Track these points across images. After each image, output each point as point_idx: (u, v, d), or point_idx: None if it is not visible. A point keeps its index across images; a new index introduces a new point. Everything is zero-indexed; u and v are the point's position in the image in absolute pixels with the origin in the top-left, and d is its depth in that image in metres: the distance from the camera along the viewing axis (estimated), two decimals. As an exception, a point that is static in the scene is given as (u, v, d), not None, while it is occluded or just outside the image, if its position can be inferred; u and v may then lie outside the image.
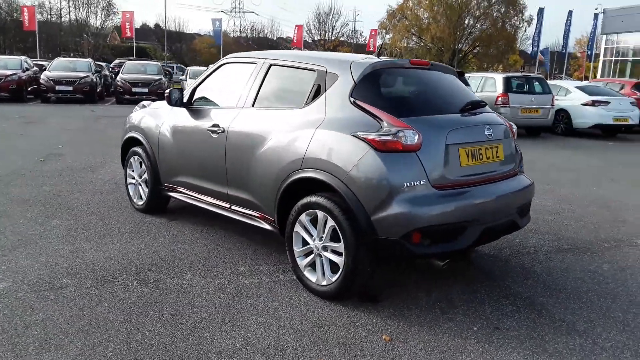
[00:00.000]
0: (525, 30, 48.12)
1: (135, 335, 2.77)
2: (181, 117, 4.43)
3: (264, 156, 3.57)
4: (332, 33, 61.21)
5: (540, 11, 36.61)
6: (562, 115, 13.84)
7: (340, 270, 3.11)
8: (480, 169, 3.29)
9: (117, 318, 2.94)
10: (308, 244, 3.35)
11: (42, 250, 3.93)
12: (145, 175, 4.89)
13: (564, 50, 41.25)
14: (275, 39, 64.89)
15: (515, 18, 46.17)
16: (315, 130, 3.24)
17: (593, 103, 13.44)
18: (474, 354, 2.69)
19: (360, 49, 61.14)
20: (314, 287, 3.30)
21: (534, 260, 4.11)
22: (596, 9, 36.94)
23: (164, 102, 4.77)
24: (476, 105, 3.59)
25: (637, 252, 4.42)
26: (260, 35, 63.11)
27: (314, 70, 3.51)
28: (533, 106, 13.02)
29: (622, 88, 15.54)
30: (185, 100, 4.43)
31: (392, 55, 46.80)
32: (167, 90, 4.39)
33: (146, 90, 19.54)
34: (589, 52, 42.90)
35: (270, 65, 3.85)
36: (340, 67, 3.39)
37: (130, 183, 5.19)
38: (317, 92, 3.43)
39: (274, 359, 2.59)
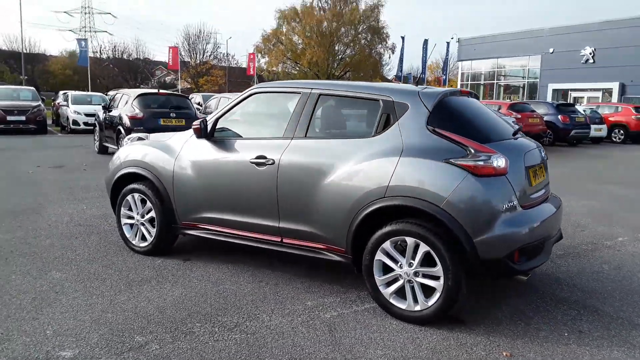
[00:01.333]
0: (389, 57, 52.08)
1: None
2: (206, 149, 4.20)
3: (332, 187, 3.54)
4: (203, 55, 60.36)
5: (402, 39, 39.89)
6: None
7: (440, 293, 3.21)
8: (538, 188, 3.62)
9: None
10: (391, 271, 3.39)
11: (74, 307, 3.47)
12: (151, 214, 4.51)
13: (422, 76, 45.18)
14: (142, 58, 61.99)
15: (380, 45, 49.90)
16: (400, 159, 3.31)
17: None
18: (588, 358, 2.95)
19: (235, 72, 61.20)
20: (404, 314, 3.35)
21: (549, 268, 4.54)
22: (452, 37, 41.19)
23: (173, 134, 4.49)
24: (517, 130, 3.95)
25: (615, 252, 5.10)
26: (124, 57, 59.89)
27: (378, 100, 3.59)
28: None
29: (499, 109, 17.54)
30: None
31: (270, 79, 47.65)
32: (197, 122, 4.13)
33: (23, 118, 17.67)
34: (444, 77, 47.51)
35: (320, 95, 3.84)
36: (408, 97, 3.52)
37: (126, 224, 4.74)
38: (387, 122, 3.51)
39: None
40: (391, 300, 3.41)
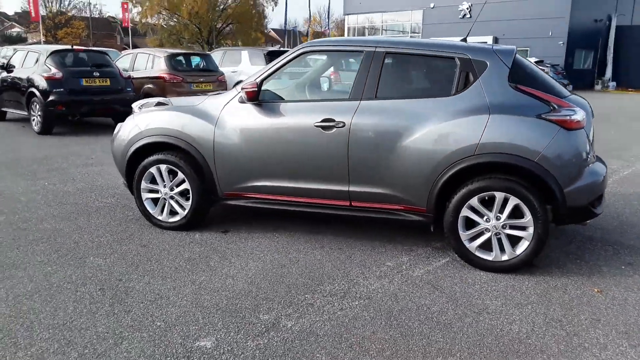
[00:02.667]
0: (272, 10, 51.08)
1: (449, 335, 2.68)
2: (254, 114, 3.95)
3: (413, 147, 3.57)
4: (60, 4, 54.23)
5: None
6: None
7: (529, 242, 3.46)
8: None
9: (392, 332, 2.76)
10: (476, 225, 3.56)
11: (159, 294, 3.20)
12: (184, 186, 4.18)
13: (308, 29, 45.15)
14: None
15: (262, -3, 48.64)
16: (490, 116, 3.43)
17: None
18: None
19: (99, 23, 55.94)
20: (489, 265, 3.57)
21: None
22: (336, -10, 41.41)
23: (203, 98, 4.16)
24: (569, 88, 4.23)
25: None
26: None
27: (453, 58, 3.64)
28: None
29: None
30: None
31: (145, 32, 44.36)
32: (247, 84, 3.83)
33: None
34: (327, 30, 47.96)
35: (386, 54, 3.78)
36: (486, 54, 3.61)
37: (148, 199, 4.34)
38: (466, 80, 3.58)
39: (557, 327, 2.85)
40: (476, 253, 3.59)
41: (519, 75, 3.57)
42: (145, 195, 4.35)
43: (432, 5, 34.34)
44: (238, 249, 3.93)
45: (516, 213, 3.47)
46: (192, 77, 11.57)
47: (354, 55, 3.94)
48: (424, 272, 3.56)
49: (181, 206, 4.27)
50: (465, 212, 3.56)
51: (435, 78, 3.75)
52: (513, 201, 3.44)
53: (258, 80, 3.93)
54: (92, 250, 3.84)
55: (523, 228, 3.48)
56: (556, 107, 3.43)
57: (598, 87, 30.99)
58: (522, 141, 3.37)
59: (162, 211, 4.34)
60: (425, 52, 3.74)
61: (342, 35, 42.84)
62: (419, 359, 2.54)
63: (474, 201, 3.52)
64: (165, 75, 11.21)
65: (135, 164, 4.33)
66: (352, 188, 3.79)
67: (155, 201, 4.36)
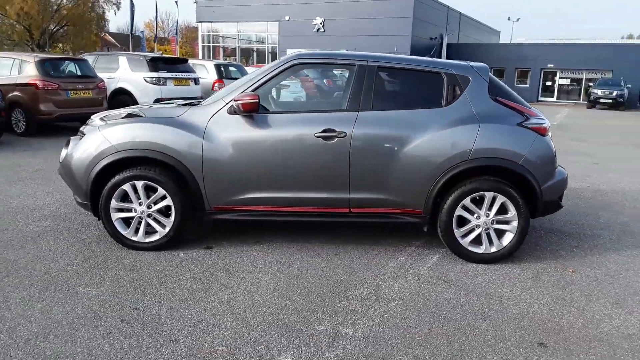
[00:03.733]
0: (115, 14, 48.02)
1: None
2: (246, 125, 3.86)
3: (411, 154, 3.83)
4: None
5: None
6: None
7: (513, 234, 3.93)
8: None
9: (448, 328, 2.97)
10: (467, 223, 3.95)
11: (194, 317, 2.99)
12: (165, 202, 3.93)
13: (156, 35, 43.37)
14: None
15: (103, 0, 45.53)
16: (480, 125, 3.84)
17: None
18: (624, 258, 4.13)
19: None
20: (480, 257, 3.97)
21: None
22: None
23: (183, 108, 3.97)
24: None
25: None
26: None
27: (439, 73, 3.99)
28: (241, 90, 14.43)
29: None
30: (231, 104, 3.88)
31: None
32: (245, 96, 3.73)
33: None
34: (176, 38, 46.59)
35: (377, 67, 3.99)
36: (468, 70, 4.02)
37: (118, 219, 3.97)
38: (454, 93, 3.96)
39: (566, 305, 3.34)
40: (469, 248, 3.96)
41: (495, 89, 4.03)
42: (115, 216, 3.95)
43: (287, 18, 35.36)
44: (236, 264, 3.79)
45: (501, 210, 3.90)
46: (68, 83, 10.48)
47: (345, 68, 4.06)
48: (428, 269, 3.82)
49: (160, 224, 3.96)
50: (459, 211, 3.90)
51: (425, 91, 4.04)
52: (500, 199, 3.87)
53: (251, 92, 3.84)
54: (74, 280, 3.41)
55: (507, 222, 3.92)
56: (528, 116, 3.95)
57: (436, 97, 34.70)
58: (509, 146, 3.83)
59: (136, 231, 3.97)
60: (414, 67, 4.03)
61: (191, 42, 41.83)
62: (483, 347, 2.77)
63: (467, 201, 3.88)
64: (37, 82, 10.00)
65: (101, 182, 3.91)
66: (352, 195, 3.91)
67: (125, 221, 3.98)
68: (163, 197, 3.91)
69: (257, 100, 3.71)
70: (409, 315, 3.08)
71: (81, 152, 3.93)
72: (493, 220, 3.92)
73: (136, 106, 4.90)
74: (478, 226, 3.93)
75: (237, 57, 37.88)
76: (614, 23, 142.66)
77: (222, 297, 3.25)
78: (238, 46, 38.65)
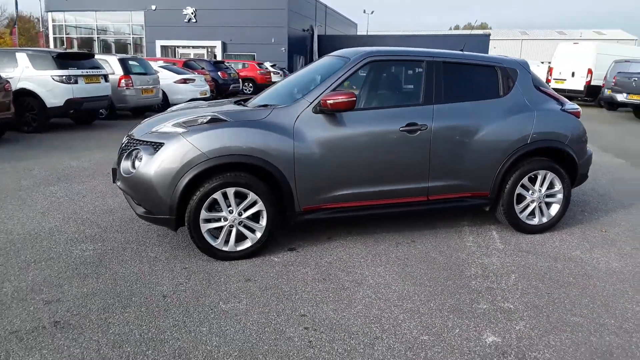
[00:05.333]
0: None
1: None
2: (334, 123, 3.92)
3: (481, 142, 4.21)
4: None
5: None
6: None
7: (559, 206, 4.55)
8: None
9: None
10: (525, 199, 4.48)
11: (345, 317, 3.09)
12: (257, 208, 3.85)
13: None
14: None
15: None
16: (536, 112, 4.36)
17: (185, 81, 15.29)
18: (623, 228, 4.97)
19: None
20: (535, 228, 4.51)
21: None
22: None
23: (272, 110, 3.93)
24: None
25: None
26: None
27: (494, 67, 4.43)
28: (150, 86, 13.66)
29: (174, 65, 17.85)
30: (315, 103, 3.94)
31: None
32: (332, 96, 3.77)
33: None
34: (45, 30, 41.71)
35: (443, 63, 4.30)
36: (514, 63, 4.51)
37: (207, 230, 3.80)
38: (508, 84, 4.43)
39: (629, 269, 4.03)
40: (526, 221, 4.49)
41: (534, 80, 4.58)
42: (204, 227, 3.76)
43: (153, 7, 33.58)
44: (338, 261, 3.85)
45: (549, 185, 4.48)
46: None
47: (415, 64, 4.28)
48: (502, 244, 4.25)
49: (250, 230, 3.87)
50: (518, 189, 4.39)
51: (484, 83, 4.42)
52: (550, 176, 4.44)
53: (319, 90, 3.91)
54: (207, 299, 3.22)
55: (554, 195, 4.51)
56: (563, 102, 4.56)
57: (313, 86, 35.71)
58: (559, 129, 4.40)
59: (226, 241, 3.83)
60: (471, 61, 4.40)
61: (25, 33, 37.76)
62: (618, 298, 3.27)
63: (525, 180, 4.39)
64: None
65: (189, 193, 3.70)
66: (431, 183, 4.19)
67: (218, 230, 3.82)
68: (254, 203, 3.80)
69: (355, 99, 3.78)
70: (539, 285, 3.47)
71: (164, 162, 3.65)
72: (544, 195, 4.47)
73: (187, 109, 4.58)
74: (532, 201, 4.46)
75: (98, 49, 34.98)
76: (444, 15, 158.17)
77: (367, 292, 3.33)
78: (98, 37, 35.70)
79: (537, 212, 4.49)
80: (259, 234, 3.85)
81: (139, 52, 33.96)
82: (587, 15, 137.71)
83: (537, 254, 4.04)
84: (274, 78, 26.78)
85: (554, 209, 4.53)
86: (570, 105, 4.59)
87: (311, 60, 36.57)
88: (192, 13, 33.07)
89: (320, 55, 35.89)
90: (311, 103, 3.89)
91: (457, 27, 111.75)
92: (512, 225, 4.48)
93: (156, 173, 3.64)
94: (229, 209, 3.77)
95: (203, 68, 18.87)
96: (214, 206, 3.76)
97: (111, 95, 12.13)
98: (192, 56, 32.68)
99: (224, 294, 3.29)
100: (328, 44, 37.32)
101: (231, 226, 3.80)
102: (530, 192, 4.44)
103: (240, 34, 32.40)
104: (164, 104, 14.91)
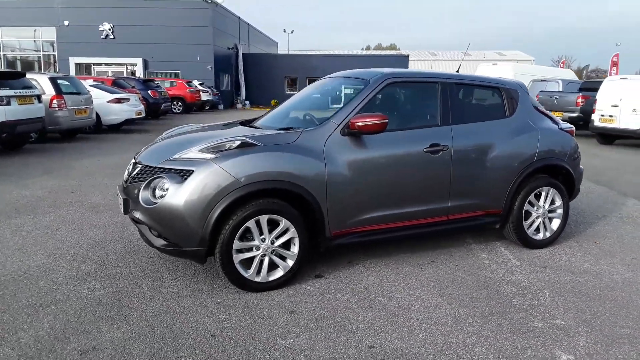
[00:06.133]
0: None
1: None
2: (361, 145, 3.84)
3: (495, 160, 4.33)
4: None
5: None
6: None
7: (560, 220, 4.78)
8: None
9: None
10: (531, 215, 4.67)
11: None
12: (289, 235, 3.68)
13: None
14: None
15: None
16: (540, 131, 4.58)
17: (119, 100, 14.53)
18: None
19: None
20: (540, 242, 4.69)
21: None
22: None
23: (301, 133, 3.82)
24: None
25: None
26: None
27: (498, 88, 4.61)
28: (83, 107, 12.86)
29: (103, 83, 16.92)
30: (343, 125, 3.90)
31: None
32: (362, 118, 3.72)
33: None
34: None
35: (455, 84, 4.40)
36: (515, 85, 4.71)
37: (240, 260, 3.60)
38: (512, 105, 4.62)
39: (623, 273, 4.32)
40: (532, 236, 4.67)
41: (532, 101, 4.81)
42: (237, 258, 3.55)
43: (66, 22, 31.71)
44: (375, 286, 3.77)
45: (551, 201, 4.70)
46: None
47: (430, 85, 4.32)
48: (517, 260, 4.38)
49: (282, 259, 3.71)
50: (526, 206, 4.56)
51: (492, 104, 4.57)
52: (552, 192, 4.66)
53: (345, 113, 3.87)
54: (261, 337, 3.01)
55: (554, 211, 4.74)
56: (557, 121, 4.83)
57: (239, 105, 35.33)
58: (560, 147, 4.64)
59: (258, 271, 3.64)
60: (479, 83, 4.54)
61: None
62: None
63: (532, 197, 4.57)
64: None
65: (220, 223, 3.48)
66: (451, 203, 4.24)
67: (249, 261, 3.61)
68: (286, 230, 3.64)
69: (387, 121, 3.75)
70: (575, 300, 3.59)
71: (195, 191, 3.39)
72: (547, 210, 4.67)
73: (184, 134, 4.32)
74: (538, 217, 4.64)
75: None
76: (358, 35, 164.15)
77: (420, 317, 3.27)
78: (3, 54, 33.08)
79: (541, 227, 4.67)
80: (290, 262, 3.68)
81: (49, 70, 31.81)
82: (489, 38, 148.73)
83: (553, 268, 4.19)
84: (204, 97, 26.20)
85: (555, 223, 4.75)
86: (565, 124, 4.86)
87: (237, 79, 36.25)
88: (109, 29, 31.62)
89: (246, 74, 35.74)
90: (339, 125, 3.82)
91: (368, 47, 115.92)
92: (520, 240, 4.62)
93: (187, 202, 3.37)
94: (261, 237, 3.56)
95: (133, 87, 18.05)
96: (245, 235, 3.54)
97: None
98: (110, 74, 31.17)
99: (276, 328, 3.09)
100: (253, 62, 37.24)
101: (263, 255, 3.59)
102: (536, 208, 4.62)
103: (162, 51, 31.42)
104: (97, 125, 14.08)
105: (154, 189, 3.51)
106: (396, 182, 3.96)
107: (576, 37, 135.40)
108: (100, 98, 14.28)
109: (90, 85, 14.61)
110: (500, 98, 4.58)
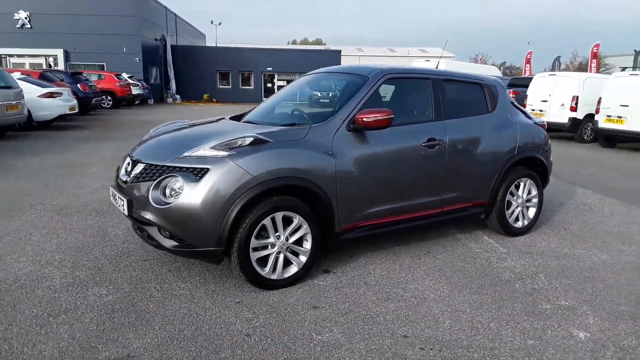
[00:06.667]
0: None
1: None
2: (365, 140, 3.90)
3: (483, 153, 4.56)
4: None
5: None
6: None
7: (536, 208, 5.12)
8: None
9: None
10: (512, 205, 4.98)
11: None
12: (302, 232, 3.72)
13: None
14: None
15: None
16: (518, 126, 4.88)
17: (51, 95, 13.68)
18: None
19: None
20: (519, 230, 5.00)
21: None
22: None
23: (310, 128, 3.84)
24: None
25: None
26: None
27: (481, 85, 4.85)
28: (14, 102, 12.01)
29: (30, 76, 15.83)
30: (348, 121, 3.97)
31: None
32: (368, 113, 3.78)
33: None
34: None
35: (443, 80, 4.58)
36: (494, 81, 4.97)
37: (257, 259, 3.59)
38: (493, 100, 4.88)
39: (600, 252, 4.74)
40: (514, 225, 4.98)
41: (508, 97, 5.11)
42: (254, 256, 3.53)
43: (-22, 10, 29.18)
44: (385, 279, 3.85)
45: (528, 191, 5.03)
46: None
47: (422, 81, 4.46)
48: (505, 247, 4.65)
49: (297, 255, 3.73)
50: (508, 197, 4.86)
51: (476, 99, 4.78)
52: (530, 183, 4.99)
53: (349, 108, 3.92)
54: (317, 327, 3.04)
55: (531, 200, 5.08)
56: (530, 116, 5.17)
57: (169, 100, 34.21)
58: (535, 140, 4.96)
59: (273, 269, 3.63)
60: (464, 79, 4.75)
61: None
62: (623, 287, 3.82)
63: (512, 187, 4.87)
64: None
65: (238, 221, 3.44)
66: (445, 195, 4.43)
67: (264, 259, 3.60)
68: (299, 226, 3.66)
69: (393, 116, 3.84)
70: (569, 282, 3.88)
71: (212, 189, 3.31)
72: (525, 200, 5.00)
73: (175, 131, 4.19)
74: (517, 207, 4.95)
75: None
76: (281, 28, 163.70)
77: (439, 306, 3.41)
78: None
79: (520, 216, 4.98)
80: (304, 259, 3.70)
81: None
82: (412, 33, 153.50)
83: (538, 254, 4.50)
84: (134, 91, 25.15)
85: (532, 212, 5.08)
86: (537, 118, 5.20)
87: (166, 72, 35.05)
88: (25, 18, 29.46)
89: (175, 67, 34.61)
90: (344, 121, 3.86)
91: (294, 42, 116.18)
92: (502, 229, 4.90)
93: (204, 201, 3.28)
94: (276, 234, 3.55)
95: (62, 80, 17.01)
96: (259, 233, 3.51)
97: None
98: (27, 66, 29.12)
99: (307, 324, 3.11)
100: (183, 54, 36.18)
101: (278, 252, 3.58)
102: (516, 198, 4.92)
103: (85, 41, 29.74)
104: (27, 121, 13.16)
105: (165, 189, 3.39)
106: (398, 176, 4.08)
107: (489, 35, 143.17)
108: (31, 92, 13.34)
109: (18, 79, 13.58)
110: (483, 94, 4.82)
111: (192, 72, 35.74)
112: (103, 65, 29.78)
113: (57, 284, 3.60)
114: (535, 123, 5.08)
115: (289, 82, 38.79)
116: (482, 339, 2.98)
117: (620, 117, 12.06)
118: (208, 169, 3.33)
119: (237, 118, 4.73)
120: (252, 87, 37.34)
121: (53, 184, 6.91)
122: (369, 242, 4.61)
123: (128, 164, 3.81)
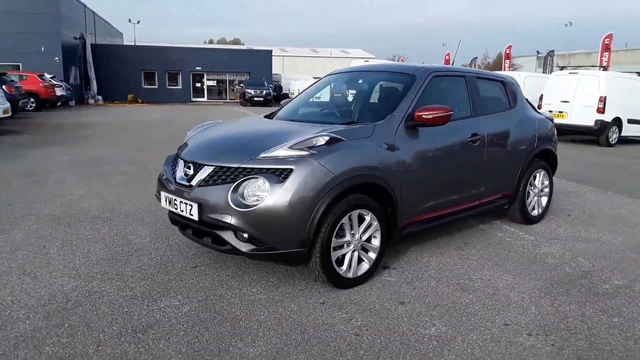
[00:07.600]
0: None
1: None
2: (421, 136, 3.96)
3: (512, 146, 4.79)
4: None
5: None
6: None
7: (547, 197, 5.46)
8: None
9: None
10: (530, 195, 5.26)
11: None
12: (372, 229, 3.73)
13: None
14: None
15: None
16: (537, 120, 5.17)
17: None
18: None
19: None
20: (535, 218, 5.31)
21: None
22: None
23: (375, 126, 3.84)
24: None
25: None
26: None
27: (501, 82, 5.08)
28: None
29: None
30: (406, 118, 4.03)
31: None
32: (428, 110, 3.83)
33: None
34: None
35: (475, 78, 4.76)
36: (511, 79, 5.22)
37: (336, 258, 3.55)
38: (514, 96, 5.13)
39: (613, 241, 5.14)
40: (532, 213, 5.25)
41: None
42: (334, 255, 3.48)
43: None
44: (447, 270, 3.91)
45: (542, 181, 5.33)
46: None
47: (460, 79, 4.59)
48: (532, 235, 4.91)
49: (367, 252, 3.72)
50: (528, 187, 5.13)
51: (500, 96, 4.99)
52: (544, 174, 5.30)
53: (406, 105, 3.97)
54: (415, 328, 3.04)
55: (542, 190, 5.39)
56: (540, 110, 5.49)
57: (91, 101, 32.34)
58: (549, 133, 5.27)
59: (349, 267, 3.61)
60: (491, 77, 4.95)
61: None
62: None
63: (531, 179, 5.15)
64: None
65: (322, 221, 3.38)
66: (483, 188, 4.60)
67: (342, 257, 3.57)
68: (370, 223, 3.66)
69: (452, 113, 3.93)
70: (609, 264, 4.15)
71: (299, 189, 3.21)
72: (540, 190, 5.29)
73: (213, 131, 4.04)
74: (535, 196, 5.24)
75: None
76: (200, 28, 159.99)
77: (512, 294, 3.52)
78: None
79: (536, 205, 5.27)
80: (373, 255, 3.69)
81: None
82: (333, 34, 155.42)
83: (565, 239, 4.78)
84: (58, 92, 23.55)
85: (544, 200, 5.39)
86: (546, 113, 5.53)
87: (86, 72, 33.12)
88: None
89: (96, 67, 32.77)
90: (403, 118, 3.90)
91: (211, 41, 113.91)
92: (522, 218, 5.15)
93: (291, 202, 3.18)
94: (352, 232, 3.52)
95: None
96: (337, 232, 3.46)
97: None
98: None
99: (406, 320, 3.11)
100: (104, 54, 34.38)
101: (353, 251, 3.55)
102: (533, 188, 5.19)
103: (1, 41, 27.42)
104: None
105: (243, 191, 3.24)
106: (450, 170, 4.18)
107: (405, 36, 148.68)
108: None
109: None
110: (506, 91, 5.04)
111: (114, 72, 34.02)
112: (19, 65, 27.59)
113: (118, 298, 3.33)
114: (546, 118, 5.38)
115: (219, 82, 38.47)
116: (573, 321, 3.12)
117: (561, 112, 13.03)
118: (292, 170, 3.23)
119: (270, 116, 4.62)
120: (180, 87, 36.20)
121: (29, 193, 6.35)
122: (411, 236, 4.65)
123: (187, 166, 3.60)
